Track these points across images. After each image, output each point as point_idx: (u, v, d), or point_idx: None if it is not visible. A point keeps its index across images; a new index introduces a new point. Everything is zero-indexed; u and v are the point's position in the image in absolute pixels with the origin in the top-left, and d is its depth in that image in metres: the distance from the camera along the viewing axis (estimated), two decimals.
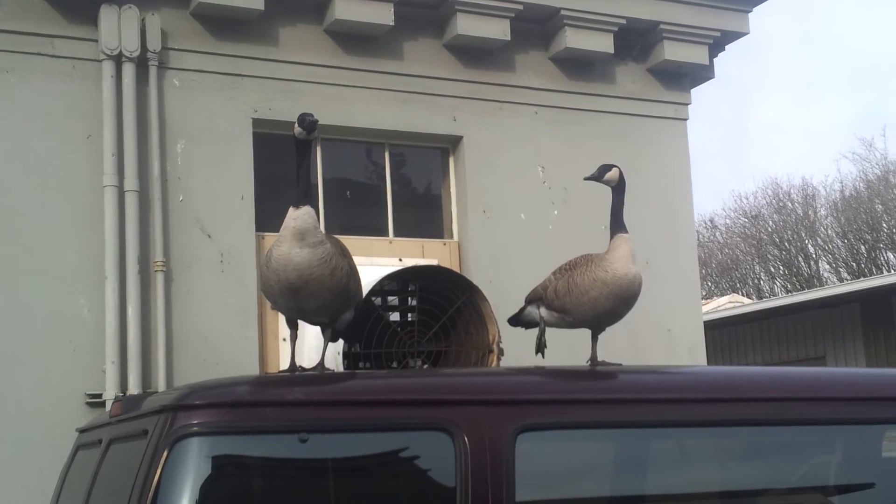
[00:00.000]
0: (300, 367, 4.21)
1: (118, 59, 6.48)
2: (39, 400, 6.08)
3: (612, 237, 4.52)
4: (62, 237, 6.29)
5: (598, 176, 4.67)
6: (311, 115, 4.11)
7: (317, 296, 4.03)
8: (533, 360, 4.77)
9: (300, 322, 4.34)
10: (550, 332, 4.76)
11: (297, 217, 3.99)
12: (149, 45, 6.55)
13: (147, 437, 3.47)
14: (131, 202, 6.39)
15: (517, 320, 4.93)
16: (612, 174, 4.66)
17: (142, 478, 3.35)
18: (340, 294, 4.08)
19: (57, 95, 6.41)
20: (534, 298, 4.74)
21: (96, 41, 6.47)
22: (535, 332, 4.83)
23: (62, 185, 6.33)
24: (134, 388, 6.19)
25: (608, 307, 4.45)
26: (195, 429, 3.40)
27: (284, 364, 6.40)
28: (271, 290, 4.09)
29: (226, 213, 6.67)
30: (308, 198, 4.05)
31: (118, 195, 6.37)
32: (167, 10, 6.70)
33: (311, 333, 4.61)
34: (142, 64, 6.55)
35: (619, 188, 4.67)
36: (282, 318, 6.63)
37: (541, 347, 4.74)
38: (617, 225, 4.53)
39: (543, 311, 4.67)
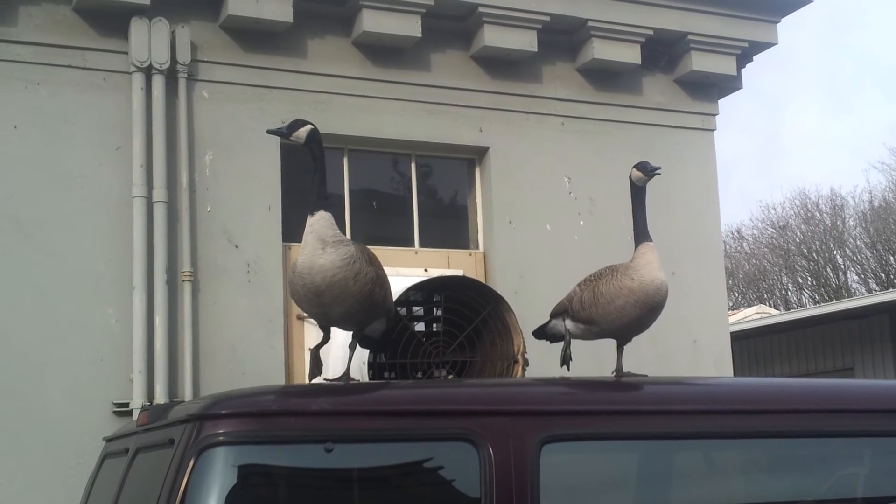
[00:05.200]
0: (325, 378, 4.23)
1: (148, 71, 6.53)
2: (67, 408, 6.12)
3: (636, 246, 4.52)
4: (91, 247, 6.34)
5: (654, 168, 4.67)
6: (296, 122, 4.32)
7: (341, 300, 4.04)
8: (558, 371, 4.76)
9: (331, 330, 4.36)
10: (576, 342, 4.75)
11: (314, 223, 4.07)
12: (178, 57, 6.60)
13: (174, 447, 3.49)
14: (160, 213, 6.44)
15: (542, 333, 4.92)
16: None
17: (168, 487, 3.38)
18: (365, 300, 4.08)
19: (87, 107, 6.46)
20: (559, 311, 4.74)
21: (126, 53, 6.52)
22: (560, 344, 4.82)
23: (92, 196, 6.38)
24: (161, 398, 6.22)
25: (635, 315, 4.44)
26: (221, 438, 3.42)
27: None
28: (298, 295, 4.13)
29: (253, 224, 6.71)
30: (322, 202, 4.11)
31: (147, 206, 6.42)
32: (197, 23, 6.76)
33: (337, 344, 4.63)
34: (171, 76, 6.61)
35: (640, 196, 4.66)
36: (308, 327, 6.68)
37: (566, 360, 4.73)
38: (641, 234, 4.53)
39: (569, 324, 4.66)
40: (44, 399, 6.10)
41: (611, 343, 4.64)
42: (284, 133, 4.30)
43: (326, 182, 4.25)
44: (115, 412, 6.18)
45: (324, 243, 4.01)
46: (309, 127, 4.27)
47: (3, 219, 6.20)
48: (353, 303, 4.06)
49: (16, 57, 6.35)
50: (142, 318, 6.28)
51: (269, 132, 4.43)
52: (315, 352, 4.25)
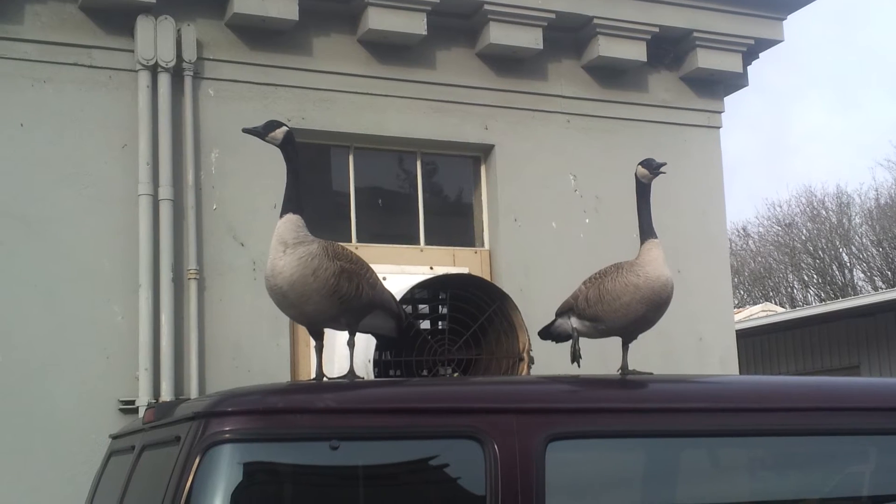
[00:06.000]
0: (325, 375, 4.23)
1: (154, 70, 6.54)
2: (73, 406, 6.13)
3: (642, 243, 4.52)
4: (97, 245, 6.35)
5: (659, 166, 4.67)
6: (272, 122, 4.36)
7: (305, 298, 4.05)
8: (563, 369, 4.76)
9: (330, 331, 4.37)
10: (582, 340, 4.74)
11: (279, 226, 4.14)
12: (184, 55, 6.60)
13: (179, 444, 3.50)
14: (165, 211, 6.45)
15: (548, 333, 4.90)
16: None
17: (174, 484, 3.38)
18: (331, 296, 4.05)
19: (93, 105, 6.47)
20: (564, 310, 4.73)
21: (132, 52, 6.53)
22: (565, 344, 4.82)
23: (97, 194, 6.39)
24: (166, 395, 6.23)
25: (641, 312, 4.44)
26: (227, 436, 3.43)
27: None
28: (273, 300, 4.17)
29: (259, 222, 6.71)
30: (292, 205, 4.18)
31: (153, 204, 6.43)
32: (202, 21, 6.76)
33: (341, 342, 4.63)
34: (177, 74, 6.61)
35: (645, 193, 4.67)
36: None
37: (576, 356, 4.72)
38: (647, 231, 4.54)
39: (575, 321, 4.66)
40: (50, 397, 6.11)
41: (616, 341, 4.64)
42: (260, 133, 4.32)
43: (299, 185, 4.28)
44: (121, 409, 6.19)
45: (285, 245, 4.06)
46: (285, 129, 4.31)
47: (8, 217, 6.21)
48: (320, 299, 4.05)
49: (22, 55, 6.36)
50: (148, 315, 6.29)
51: (244, 131, 4.39)
52: (318, 371, 4.24)
